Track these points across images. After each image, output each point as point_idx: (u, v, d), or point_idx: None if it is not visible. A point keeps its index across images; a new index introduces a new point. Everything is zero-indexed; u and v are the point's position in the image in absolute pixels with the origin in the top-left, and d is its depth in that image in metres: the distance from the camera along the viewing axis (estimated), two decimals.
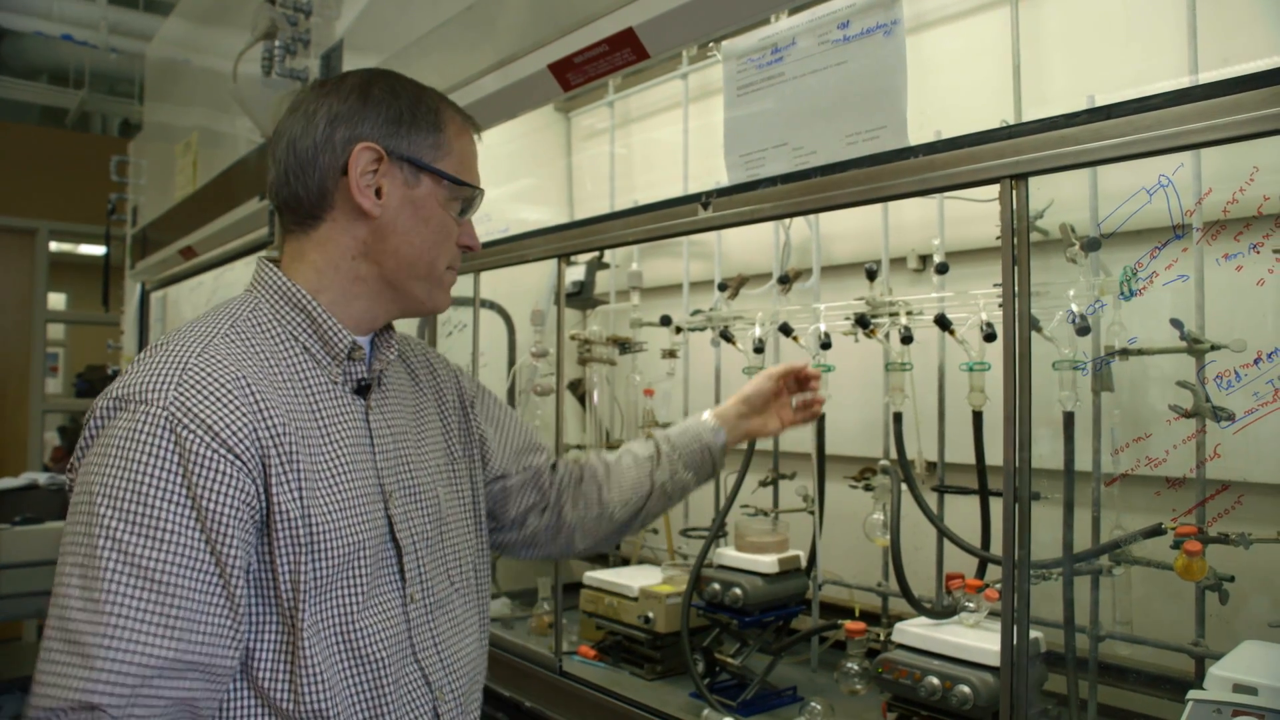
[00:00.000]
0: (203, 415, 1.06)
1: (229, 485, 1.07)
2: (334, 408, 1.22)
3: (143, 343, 5.25)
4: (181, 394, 1.07)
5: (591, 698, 2.17)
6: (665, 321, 2.60)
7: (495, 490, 1.54)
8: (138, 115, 6.24)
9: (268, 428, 1.11)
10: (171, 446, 1.05)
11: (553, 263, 2.45)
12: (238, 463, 1.08)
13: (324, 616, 1.15)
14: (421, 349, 1.49)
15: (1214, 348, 1.68)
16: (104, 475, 1.04)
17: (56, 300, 8.97)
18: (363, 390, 1.28)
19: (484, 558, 1.46)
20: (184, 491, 1.04)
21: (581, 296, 3.16)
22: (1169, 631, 1.79)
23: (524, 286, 3.24)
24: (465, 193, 1.30)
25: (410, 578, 1.26)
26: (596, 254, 3.19)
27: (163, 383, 1.08)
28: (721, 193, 1.88)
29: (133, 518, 1.03)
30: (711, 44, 2.28)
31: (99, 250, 6.20)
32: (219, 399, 1.08)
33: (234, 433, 1.08)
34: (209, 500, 1.05)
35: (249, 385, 1.12)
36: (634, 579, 2.41)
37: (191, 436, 1.05)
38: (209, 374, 1.10)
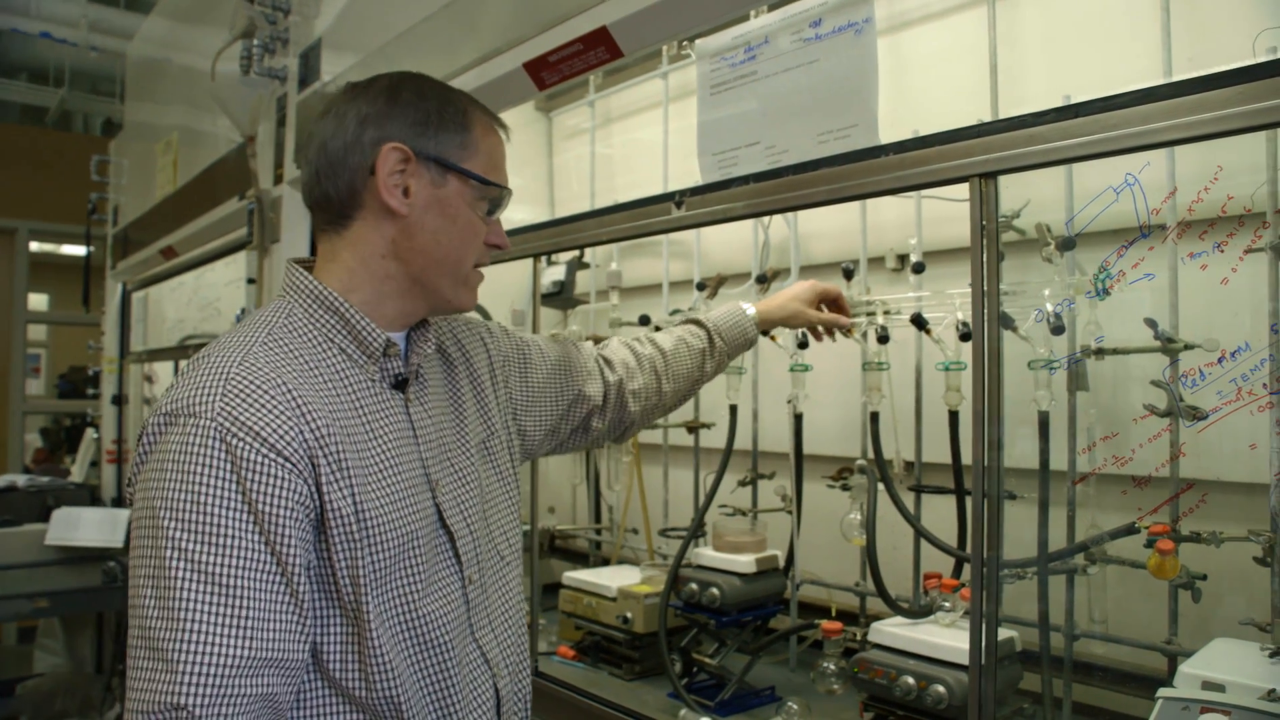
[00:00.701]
0: (250, 423, 1.10)
1: (281, 487, 1.10)
2: (375, 405, 1.26)
3: (124, 343, 5.22)
4: (228, 404, 1.10)
5: (569, 699, 2.16)
6: (644, 321, 2.59)
7: (554, 419, 1.64)
8: (119, 114, 6.20)
9: (313, 430, 1.14)
10: (224, 456, 1.08)
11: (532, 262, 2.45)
12: (288, 465, 1.11)
13: (387, 606, 1.19)
14: (449, 327, 1.51)
15: (1188, 347, 1.68)
16: (164, 489, 1.08)
17: (38, 301, 8.92)
18: (401, 385, 1.31)
19: (518, 526, 1.50)
20: (239, 497, 1.08)
21: (562, 296, 3.15)
22: (1143, 630, 1.79)
23: (504, 286, 3.23)
24: (492, 192, 1.32)
25: (466, 560, 1.31)
26: (577, 254, 3.19)
27: (209, 395, 1.11)
28: (694, 191, 1.88)
29: (195, 527, 1.07)
30: (686, 43, 2.28)
31: (80, 250, 6.16)
32: (264, 406, 1.12)
33: (281, 436, 1.11)
34: (263, 504, 1.09)
35: (291, 391, 1.15)
36: (612, 579, 2.41)
37: (241, 445, 1.09)
38: (252, 382, 1.13)
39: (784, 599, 2.25)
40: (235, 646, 1.06)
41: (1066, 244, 1.78)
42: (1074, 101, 1.33)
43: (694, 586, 2.13)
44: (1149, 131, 1.23)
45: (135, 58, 5.37)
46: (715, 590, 2.09)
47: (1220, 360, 1.68)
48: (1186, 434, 1.72)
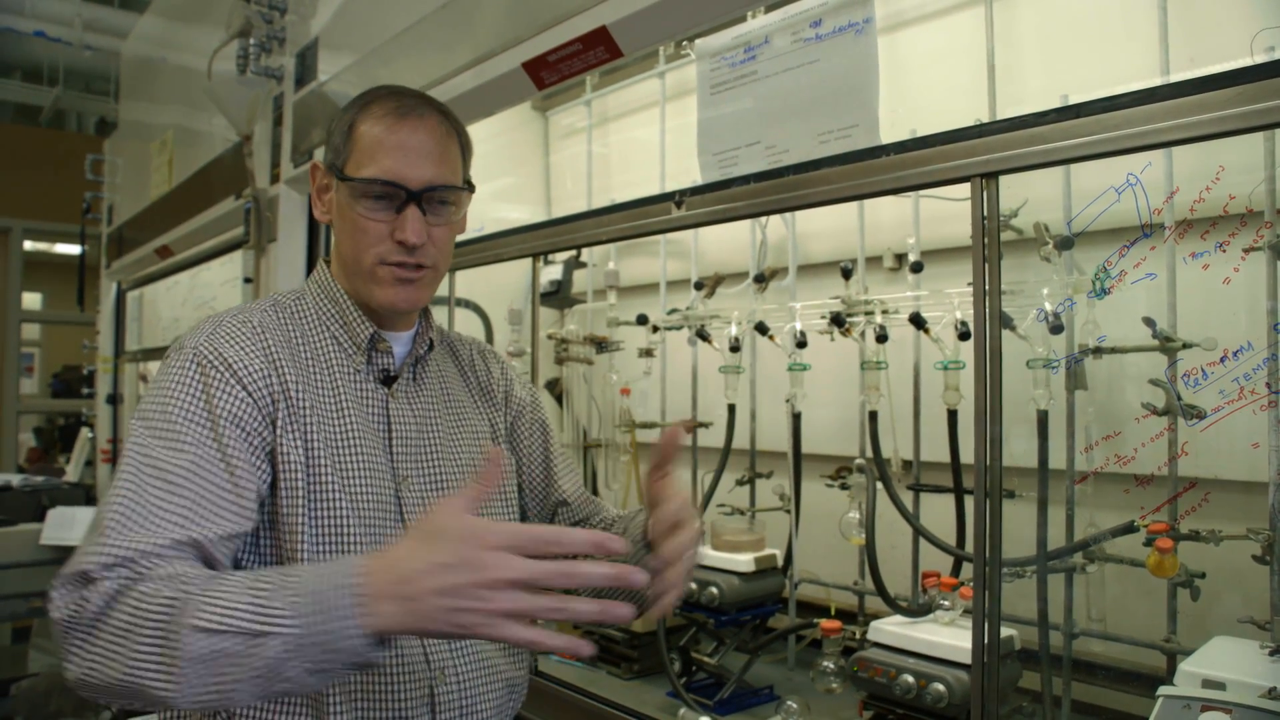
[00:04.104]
0: (224, 354, 1.22)
1: (241, 410, 1.20)
2: (354, 392, 1.32)
3: (119, 342, 5.20)
4: (210, 340, 1.24)
5: (568, 698, 2.16)
6: (642, 320, 2.59)
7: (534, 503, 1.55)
8: (113, 113, 6.18)
9: (279, 378, 1.24)
10: (197, 377, 1.21)
11: (530, 261, 2.44)
12: (250, 398, 1.21)
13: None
14: (480, 350, 1.56)
15: (1186, 346, 1.69)
16: (145, 406, 1.20)
17: (31, 300, 8.89)
18: (388, 381, 1.36)
19: None
20: (204, 411, 1.18)
21: (559, 295, 3.15)
22: (1142, 628, 1.80)
23: (501, 285, 3.22)
24: (362, 188, 1.29)
25: None
26: (574, 253, 3.18)
27: (198, 335, 1.25)
28: (695, 191, 1.88)
29: (159, 431, 1.17)
30: (685, 42, 2.28)
31: (74, 249, 6.14)
32: (239, 344, 1.24)
33: (249, 372, 1.22)
34: (224, 420, 1.19)
35: (269, 346, 1.26)
36: None
37: (213, 370, 1.21)
38: (236, 328, 1.27)
39: (782, 598, 2.25)
40: (167, 517, 1.10)
41: (1065, 243, 1.79)
42: (1072, 101, 1.34)
43: (693, 586, 2.13)
44: (1150, 132, 1.24)
45: (130, 56, 5.35)
46: (714, 589, 2.09)
47: (1223, 360, 1.69)
48: (1188, 433, 1.73)
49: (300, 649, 0.97)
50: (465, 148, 1.38)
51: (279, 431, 1.22)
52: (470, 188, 1.37)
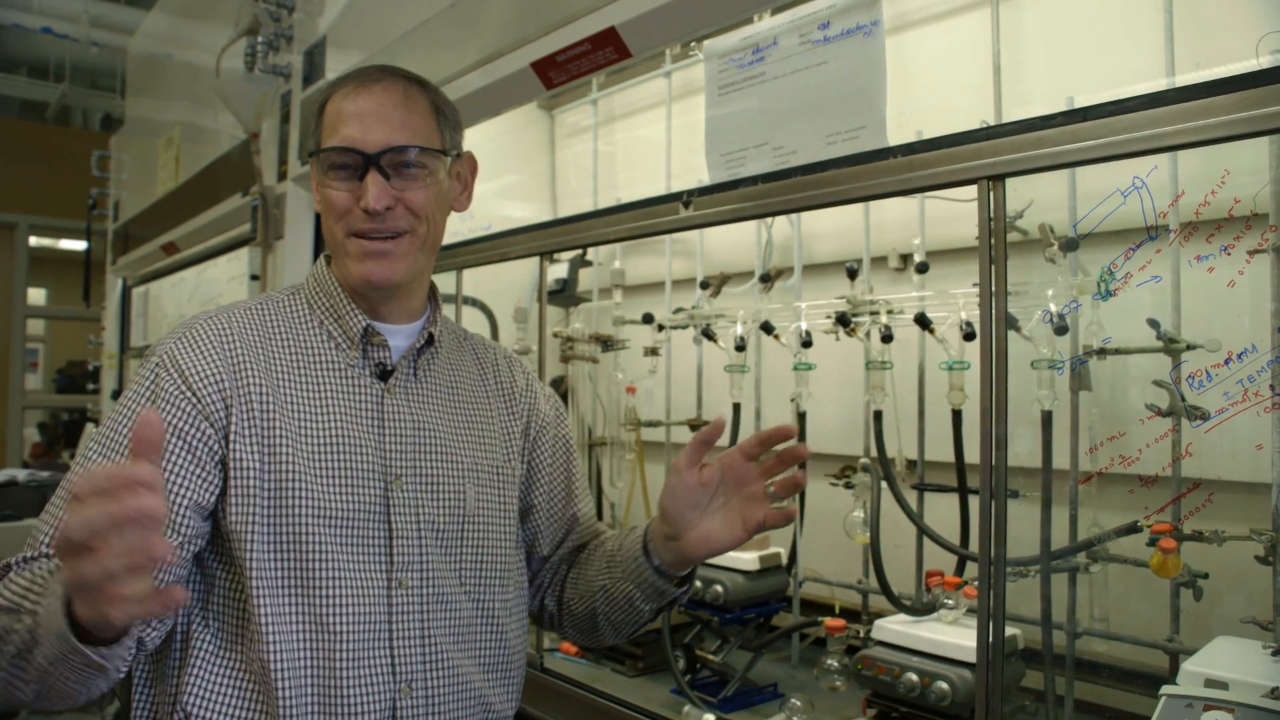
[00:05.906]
0: (180, 361, 1.21)
1: (184, 420, 1.19)
2: (344, 387, 1.29)
3: (124, 339, 5.22)
4: (175, 345, 1.23)
5: (573, 694, 2.17)
6: (648, 319, 2.60)
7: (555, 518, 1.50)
8: (119, 109, 6.19)
9: (235, 382, 1.22)
10: (149, 385, 1.21)
11: (536, 260, 2.45)
12: (198, 404, 1.20)
13: (283, 571, 1.20)
14: (506, 356, 1.52)
15: (1190, 347, 1.69)
16: (105, 416, 1.21)
17: (36, 295, 8.91)
18: (384, 375, 1.32)
19: (512, 571, 1.41)
20: None
21: (564, 294, 3.15)
22: (1145, 628, 1.81)
23: (507, 284, 3.23)
24: (326, 160, 1.28)
25: (400, 563, 1.25)
26: (579, 252, 3.19)
27: (167, 340, 1.25)
28: (703, 191, 1.89)
29: (102, 437, 1.19)
30: (694, 43, 2.28)
31: (80, 245, 6.15)
32: (200, 351, 1.23)
33: (201, 378, 1.21)
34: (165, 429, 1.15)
35: (236, 347, 1.24)
36: None
37: (166, 377, 1.20)
38: (203, 331, 1.25)
39: (787, 596, 2.26)
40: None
41: (1070, 245, 1.80)
42: (1077, 103, 1.35)
43: (697, 584, 2.13)
44: (1156, 135, 1.24)
45: (136, 53, 5.36)
46: (719, 587, 2.10)
47: (1227, 362, 1.70)
48: (1192, 434, 1.73)
49: (42, 627, 0.97)
50: (441, 112, 1.33)
51: (231, 438, 1.19)
52: (447, 152, 1.32)
